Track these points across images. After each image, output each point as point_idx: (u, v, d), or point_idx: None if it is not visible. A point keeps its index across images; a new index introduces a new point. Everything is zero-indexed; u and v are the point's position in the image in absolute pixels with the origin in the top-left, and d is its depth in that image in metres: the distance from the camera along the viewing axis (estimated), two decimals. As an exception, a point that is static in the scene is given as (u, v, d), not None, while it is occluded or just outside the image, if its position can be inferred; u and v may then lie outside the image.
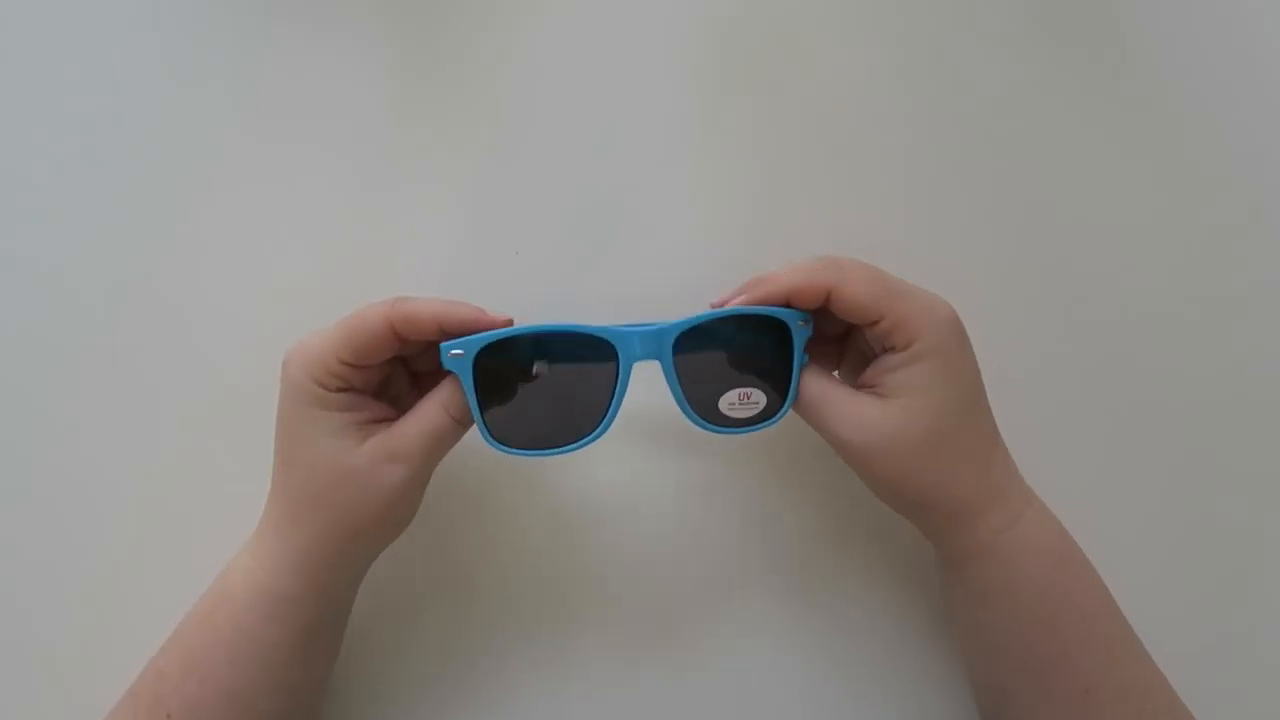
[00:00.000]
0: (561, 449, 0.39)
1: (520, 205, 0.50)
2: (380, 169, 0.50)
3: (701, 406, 0.40)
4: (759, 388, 0.40)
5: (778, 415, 0.41)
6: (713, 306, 0.41)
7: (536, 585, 0.47)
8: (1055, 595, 0.39)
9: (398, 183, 0.49)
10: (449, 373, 0.39)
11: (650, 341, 0.39)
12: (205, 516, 0.46)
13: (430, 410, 0.39)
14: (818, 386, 0.40)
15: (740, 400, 0.40)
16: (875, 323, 0.39)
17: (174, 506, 0.47)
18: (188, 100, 0.50)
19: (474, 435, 0.39)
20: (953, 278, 0.49)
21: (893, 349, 0.39)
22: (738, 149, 0.50)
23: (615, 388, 0.39)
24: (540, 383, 0.39)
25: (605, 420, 0.39)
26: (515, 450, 0.39)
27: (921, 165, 0.50)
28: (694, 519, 0.47)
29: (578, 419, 0.39)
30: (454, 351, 0.38)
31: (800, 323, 0.40)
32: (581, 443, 0.39)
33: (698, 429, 0.40)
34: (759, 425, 0.41)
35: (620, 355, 0.39)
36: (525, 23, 0.51)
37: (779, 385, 0.41)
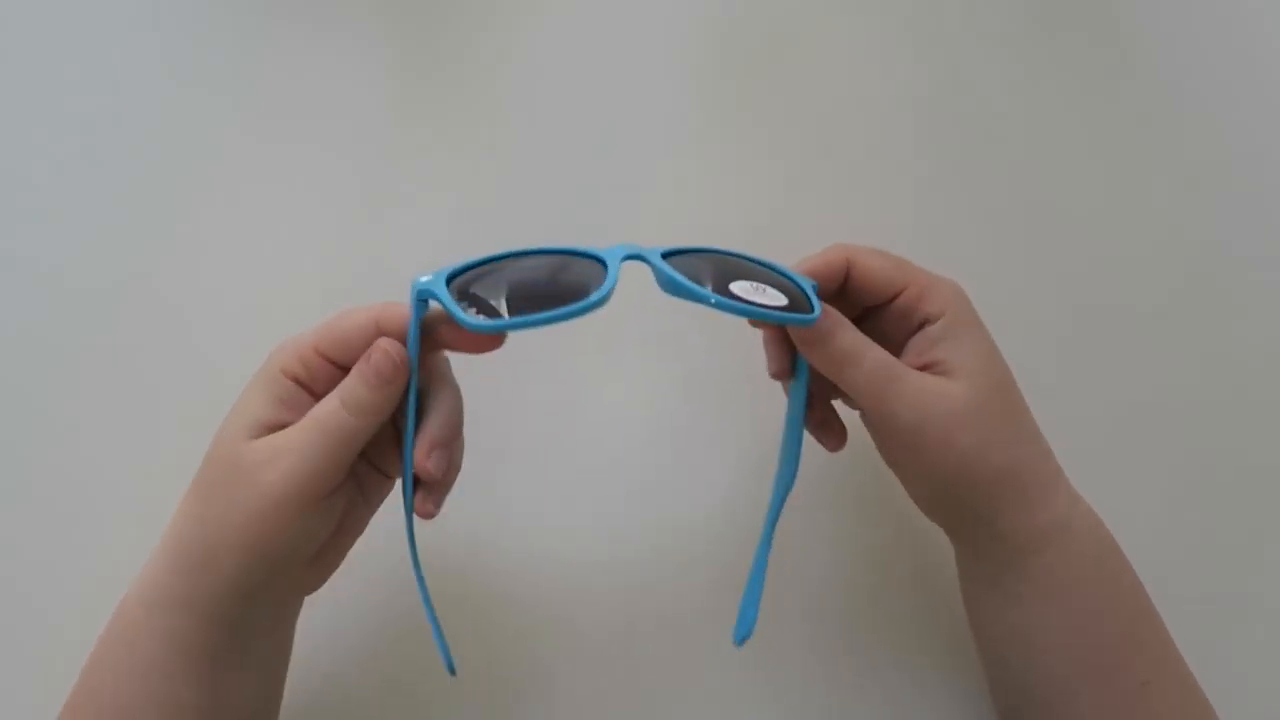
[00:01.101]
0: (551, 314, 0.33)
1: (520, 205, 0.50)
2: (380, 169, 0.50)
3: (710, 284, 0.35)
4: (777, 289, 0.36)
5: (810, 317, 0.35)
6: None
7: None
8: (1115, 581, 0.38)
9: (398, 183, 0.50)
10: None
11: (636, 252, 0.35)
12: (205, 516, 0.46)
13: (325, 402, 0.34)
14: (882, 358, 0.36)
15: (755, 290, 0.35)
16: (898, 294, 0.38)
17: (174, 507, 0.47)
18: (188, 100, 0.50)
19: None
20: (952, 277, 0.49)
21: (925, 321, 0.38)
22: (738, 149, 0.50)
23: (605, 277, 0.34)
24: (522, 288, 0.34)
25: (599, 292, 0.33)
26: (495, 323, 0.33)
27: (921, 165, 0.50)
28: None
29: (565, 300, 0.34)
30: (424, 278, 0.34)
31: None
32: (571, 309, 0.33)
33: (710, 308, 0.34)
34: (787, 317, 0.35)
35: (606, 260, 0.34)
36: (525, 23, 0.51)
37: (797, 301, 0.36)
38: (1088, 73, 0.51)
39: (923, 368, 0.38)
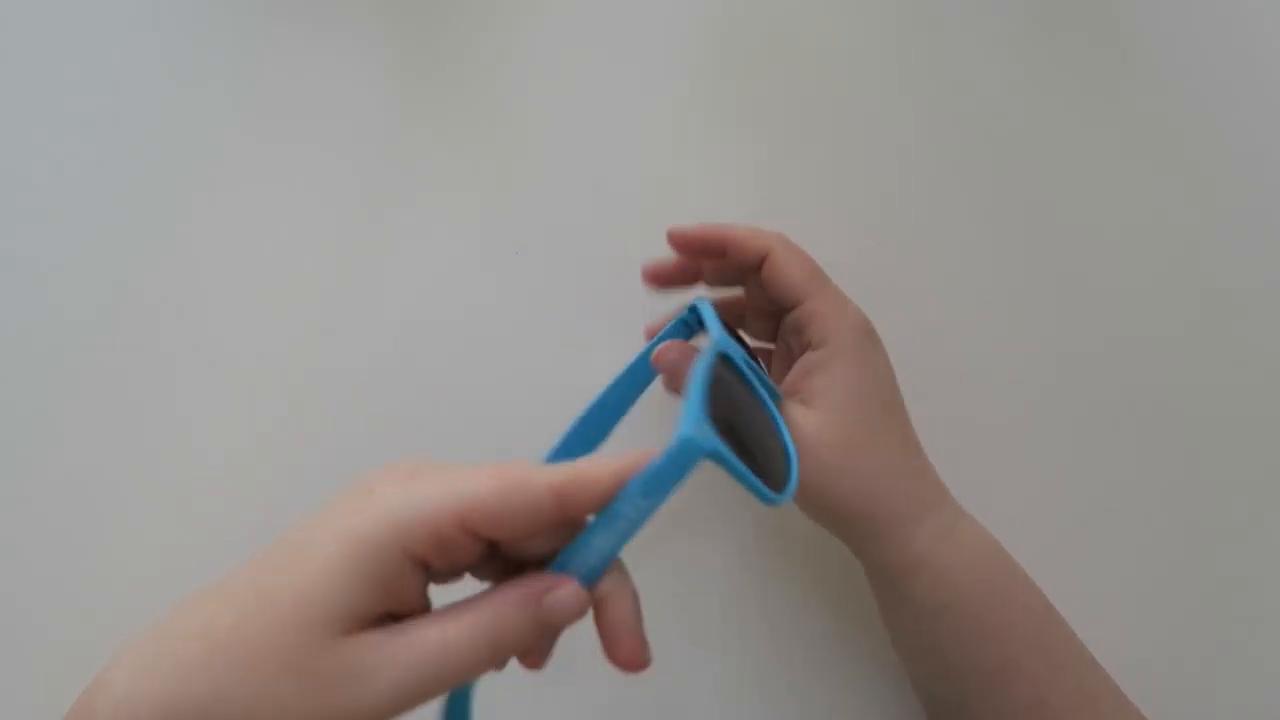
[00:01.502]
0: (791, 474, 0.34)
1: (520, 205, 0.50)
2: (380, 169, 0.50)
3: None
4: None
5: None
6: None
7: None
8: (1001, 605, 0.39)
9: (398, 182, 0.50)
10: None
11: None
12: (205, 517, 0.46)
13: (463, 629, 0.26)
14: None
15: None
16: (795, 306, 0.40)
17: (174, 507, 0.47)
18: (188, 100, 0.50)
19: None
20: (952, 277, 0.49)
21: (809, 346, 0.39)
22: (737, 149, 0.50)
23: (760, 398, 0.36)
24: (745, 418, 0.33)
25: (781, 430, 0.36)
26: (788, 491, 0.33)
27: (921, 165, 0.50)
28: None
29: (771, 449, 0.34)
30: (690, 429, 0.26)
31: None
32: (792, 456, 0.35)
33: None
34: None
35: (732, 360, 0.35)
36: (525, 23, 0.51)
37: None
38: (1087, 73, 0.51)
39: (795, 393, 0.39)
